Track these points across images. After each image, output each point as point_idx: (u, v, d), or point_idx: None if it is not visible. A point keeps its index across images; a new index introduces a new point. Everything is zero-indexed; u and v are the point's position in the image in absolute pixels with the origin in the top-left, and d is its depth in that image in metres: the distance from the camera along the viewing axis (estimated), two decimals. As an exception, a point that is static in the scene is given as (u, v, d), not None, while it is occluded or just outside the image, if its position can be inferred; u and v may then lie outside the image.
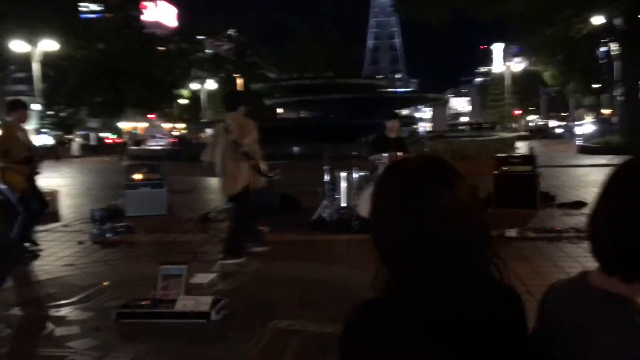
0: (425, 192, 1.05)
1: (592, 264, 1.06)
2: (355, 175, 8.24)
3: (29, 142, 7.48)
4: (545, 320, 1.11)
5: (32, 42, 31.37)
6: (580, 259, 5.80)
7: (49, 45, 32.20)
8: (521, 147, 20.72)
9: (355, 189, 8.13)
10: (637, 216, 0.97)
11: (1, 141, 6.95)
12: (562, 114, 58.61)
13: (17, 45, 31.51)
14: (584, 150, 23.93)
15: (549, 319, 1.10)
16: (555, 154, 22.84)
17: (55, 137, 32.34)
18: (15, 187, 6.83)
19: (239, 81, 54.06)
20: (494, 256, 1.09)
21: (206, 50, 60.46)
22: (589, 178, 12.83)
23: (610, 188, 1.04)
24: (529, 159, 9.37)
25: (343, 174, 8.32)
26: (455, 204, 1.04)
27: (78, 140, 37.34)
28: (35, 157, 7.24)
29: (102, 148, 36.35)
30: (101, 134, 53.49)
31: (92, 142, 42.78)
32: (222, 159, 6.28)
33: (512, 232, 7.07)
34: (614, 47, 29.80)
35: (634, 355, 0.94)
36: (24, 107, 7.42)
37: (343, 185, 8.32)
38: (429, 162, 1.11)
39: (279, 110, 50.78)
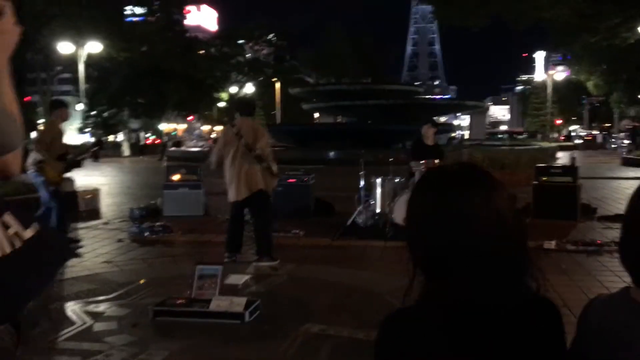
0: (462, 198, 1.05)
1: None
2: (390, 181, 8.21)
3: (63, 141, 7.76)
4: (585, 334, 1.10)
5: (78, 43, 32.23)
6: (620, 273, 5.64)
7: (94, 47, 33.03)
8: (562, 157, 20.32)
9: (390, 195, 8.10)
10: None
11: (44, 136, 7.25)
12: (606, 124, 57.13)
13: (64, 47, 32.43)
14: (628, 162, 23.30)
15: (589, 333, 1.09)
16: (597, 165, 22.30)
17: (96, 136, 33.05)
18: (51, 181, 7.08)
19: (277, 85, 54.44)
20: (532, 267, 1.08)
21: (246, 54, 61.08)
22: (632, 191, 12.45)
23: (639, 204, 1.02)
24: (569, 169, 9.19)
25: (378, 180, 8.30)
26: (492, 212, 1.04)
27: (125, 140, 38.11)
28: (70, 156, 7.50)
29: (145, 148, 37.05)
30: (142, 135, 54.51)
31: (140, 142, 43.55)
32: (233, 163, 6.30)
33: (550, 244, 6.93)
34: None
35: None
36: (65, 106, 7.73)
37: (378, 191, 8.29)
38: (466, 169, 1.11)
39: (316, 115, 50.97)
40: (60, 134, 7.39)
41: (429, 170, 1.18)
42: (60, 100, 7.96)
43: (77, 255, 6.81)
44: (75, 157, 7.62)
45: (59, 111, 7.47)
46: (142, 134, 45.45)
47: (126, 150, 35.40)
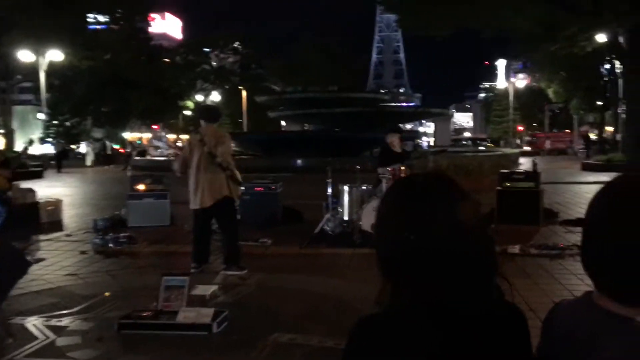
0: (430, 207, 1.07)
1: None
2: (358, 189, 8.25)
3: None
4: (550, 338, 1.12)
5: (39, 52, 31.58)
6: (583, 276, 5.74)
7: (55, 55, 32.41)
8: (525, 163, 20.72)
9: (358, 203, 8.14)
10: (631, 242, 0.97)
11: None
12: (566, 130, 58.57)
13: (24, 55, 31.74)
14: (587, 167, 23.91)
15: (554, 337, 1.10)
16: (558, 171, 22.82)
17: (58, 146, 32.27)
18: (1, 187, 6.97)
19: (244, 93, 54.27)
20: (498, 273, 1.10)
21: (212, 63, 60.75)
22: (592, 195, 12.77)
23: (602, 209, 1.04)
24: (532, 175, 9.37)
25: (346, 188, 8.33)
26: (459, 220, 1.06)
27: (89, 149, 37.23)
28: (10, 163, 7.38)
29: (109, 158, 36.29)
30: (108, 144, 53.64)
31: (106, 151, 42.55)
32: (197, 171, 6.27)
33: (514, 249, 7.06)
34: (618, 64, 29.88)
35: None
36: None
37: (346, 198, 8.32)
38: (434, 178, 1.13)
39: (283, 123, 50.92)
40: None
41: (399, 178, 1.20)
42: None
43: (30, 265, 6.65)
44: (17, 161, 7.50)
45: None
46: (108, 143, 44.63)
47: (89, 160, 34.71)
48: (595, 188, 1.09)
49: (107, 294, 5.59)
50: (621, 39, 24.68)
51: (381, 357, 1.04)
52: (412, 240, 1.05)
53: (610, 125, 46.79)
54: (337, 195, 8.43)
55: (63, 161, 30.12)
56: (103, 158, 35.71)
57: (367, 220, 7.74)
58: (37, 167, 25.79)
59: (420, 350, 1.03)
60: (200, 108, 7.81)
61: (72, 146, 42.29)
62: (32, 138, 38.14)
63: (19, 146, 36.35)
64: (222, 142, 6.37)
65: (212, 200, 6.26)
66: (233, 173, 6.36)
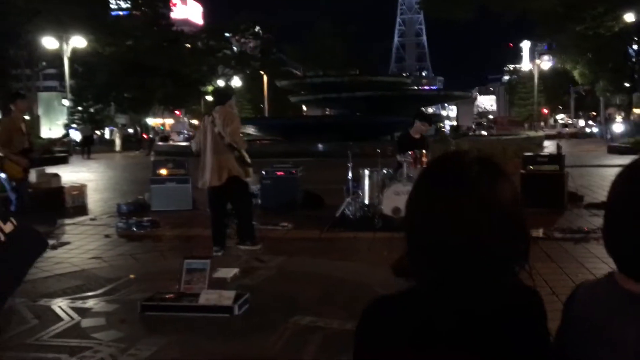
0: (468, 188, 1.02)
1: (617, 265, 1.05)
2: (379, 173, 8.21)
3: (29, 134, 7.71)
4: (570, 319, 1.09)
5: (63, 38, 31.91)
6: (607, 259, 5.63)
7: (79, 42, 32.72)
8: (549, 146, 20.45)
9: (378, 187, 8.11)
10: None
11: (2, 132, 7.18)
12: (592, 113, 57.59)
13: (48, 42, 32.10)
14: (614, 150, 23.50)
15: (574, 318, 1.08)
16: (584, 154, 22.48)
17: (85, 131, 32.32)
18: (13, 176, 7.08)
19: (264, 78, 54.31)
20: (527, 258, 1.06)
21: (233, 48, 60.80)
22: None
23: (624, 190, 1.01)
24: (556, 158, 9.24)
25: (367, 172, 8.29)
26: (500, 201, 1.02)
27: (117, 134, 37.50)
28: (34, 150, 7.47)
29: (139, 143, 36.35)
30: (130, 130, 54.25)
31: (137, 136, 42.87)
32: (207, 151, 6.42)
33: (538, 232, 6.97)
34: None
35: None
36: (21, 97, 7.72)
37: (366, 182, 8.30)
38: (476, 158, 1.07)
39: (304, 108, 50.91)
40: (19, 128, 7.31)
41: (441, 155, 1.14)
42: (17, 92, 7.93)
43: (54, 247, 6.77)
44: (40, 153, 7.58)
45: (16, 103, 7.39)
46: (138, 129, 45.05)
47: (118, 145, 34.96)
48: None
49: (132, 276, 5.67)
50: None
51: (392, 338, 1.03)
52: (446, 218, 1.01)
53: (638, 107, 45.82)
54: (358, 179, 8.41)
55: (90, 146, 29.70)
56: (132, 143, 35.81)
57: (388, 204, 7.71)
58: (62, 153, 26.20)
59: (432, 332, 1.01)
60: (212, 92, 8.02)
61: (97, 132, 42.84)
62: (69, 124, 38.47)
63: (46, 132, 36.89)
64: (231, 122, 6.44)
65: (218, 180, 6.35)
66: (241, 154, 6.44)
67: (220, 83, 56.62)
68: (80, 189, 10.76)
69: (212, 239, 6.58)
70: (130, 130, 45.01)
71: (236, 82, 56.09)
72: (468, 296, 1.01)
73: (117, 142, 35.44)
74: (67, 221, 9.00)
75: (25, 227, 1.15)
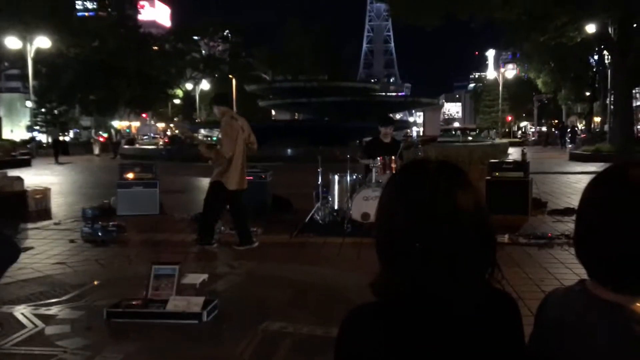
0: (433, 194, 1.05)
1: (583, 270, 1.07)
2: (348, 178, 8.25)
3: None
4: (542, 326, 1.12)
5: (26, 38, 31.21)
6: (571, 265, 5.83)
7: (43, 42, 32.04)
8: (513, 153, 20.84)
9: (348, 192, 8.15)
10: (624, 230, 0.98)
11: None
12: (554, 120, 58.89)
13: (11, 42, 31.36)
14: (575, 157, 24.09)
15: (546, 325, 1.11)
16: (547, 161, 22.97)
17: (53, 134, 31.20)
18: None
19: (234, 82, 53.98)
20: (495, 262, 1.09)
21: (201, 51, 60.34)
22: (580, 185, 12.90)
23: (594, 198, 1.04)
24: (521, 165, 9.41)
25: (336, 177, 8.33)
26: (462, 209, 1.05)
27: (94, 137, 36.60)
28: None
29: (116, 146, 35.30)
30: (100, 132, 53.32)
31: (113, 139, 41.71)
32: (242, 155, 6.88)
33: (503, 238, 7.10)
34: (607, 55, 30.01)
35: None
36: None
37: (336, 187, 8.33)
38: (439, 165, 1.11)
39: (273, 112, 50.77)
40: None
41: (408, 162, 1.17)
42: None
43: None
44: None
45: None
46: (112, 131, 44.25)
47: (97, 149, 34.08)
48: (583, 178, 1.09)
49: (96, 282, 5.57)
50: (610, 30, 24.79)
51: (372, 348, 1.04)
52: (414, 224, 1.04)
53: (598, 115, 47.05)
54: (327, 184, 8.44)
55: (60, 150, 28.13)
56: (110, 146, 34.76)
57: (357, 209, 7.76)
58: (25, 156, 25.59)
59: (412, 341, 1.02)
60: (223, 95, 8.21)
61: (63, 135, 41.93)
62: (32, 127, 37.23)
63: (8, 134, 35.92)
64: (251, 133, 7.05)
65: (245, 184, 6.96)
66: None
67: (189, 86, 56.16)
68: (44, 193, 10.52)
69: (209, 234, 6.93)
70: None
71: (204, 85, 55.66)
72: (443, 303, 1.03)
73: (96, 146, 34.67)
74: (30, 225, 8.79)
75: None
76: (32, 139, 13.79)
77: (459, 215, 1.04)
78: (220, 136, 6.93)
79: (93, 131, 40.77)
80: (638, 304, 1.01)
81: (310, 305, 4.79)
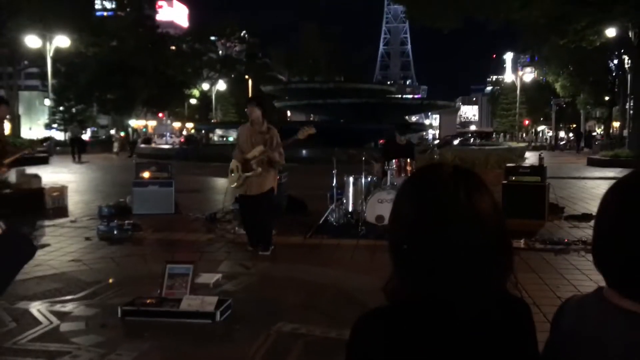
0: (449, 197, 1.04)
1: (599, 276, 1.06)
2: (363, 180, 8.23)
3: (4, 141, 7.62)
4: (559, 333, 1.10)
5: (46, 37, 31.57)
6: (587, 271, 5.76)
7: (62, 41, 32.38)
8: (530, 157, 20.67)
9: (362, 194, 8.13)
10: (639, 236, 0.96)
11: None
12: (572, 125, 58.36)
13: (31, 41, 31.74)
14: (593, 162, 23.83)
15: (562, 332, 1.09)
16: (564, 165, 22.75)
17: (74, 132, 30.98)
18: None
19: (250, 83, 54.20)
20: (511, 269, 1.08)
21: (218, 51, 60.66)
22: (598, 191, 12.75)
23: (614, 205, 1.02)
24: (538, 169, 9.33)
25: (351, 179, 8.32)
26: (480, 212, 1.03)
27: (116, 135, 36.67)
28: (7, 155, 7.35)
29: (134, 145, 35.22)
30: (112, 131, 53.77)
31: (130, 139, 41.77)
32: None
33: (519, 243, 7.03)
34: (627, 59, 29.68)
35: None
36: (6, 103, 7.67)
37: (350, 189, 8.31)
38: (455, 169, 1.10)
39: (289, 113, 50.88)
40: None
41: (423, 166, 1.16)
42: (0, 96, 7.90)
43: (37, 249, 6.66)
44: (15, 156, 7.40)
45: None
46: (130, 130, 44.52)
47: (116, 146, 34.16)
48: (601, 183, 1.07)
49: (111, 280, 5.61)
50: (631, 34, 24.49)
51: (383, 352, 1.03)
52: (428, 228, 1.03)
53: (617, 120, 46.54)
54: (342, 186, 8.43)
55: (80, 148, 26.96)
56: (127, 145, 34.66)
57: (371, 211, 7.74)
58: (43, 153, 25.87)
59: (425, 346, 1.01)
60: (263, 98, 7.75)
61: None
62: (50, 125, 37.40)
63: (27, 132, 36.36)
64: None
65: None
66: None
67: (205, 86, 56.47)
68: (61, 190, 10.62)
69: (270, 239, 6.92)
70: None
71: (221, 85, 55.94)
72: (458, 309, 1.02)
73: (116, 144, 34.77)
74: (47, 223, 8.88)
75: (14, 231, 1.14)
76: (48, 138, 13.66)
77: (478, 218, 1.03)
78: (272, 140, 6.72)
79: (114, 130, 41.02)
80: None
81: (324, 307, 4.77)
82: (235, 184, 6.76)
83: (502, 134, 59.94)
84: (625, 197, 1.01)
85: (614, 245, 1.00)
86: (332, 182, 8.46)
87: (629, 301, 0.99)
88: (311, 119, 40.26)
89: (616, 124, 47.60)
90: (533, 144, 45.18)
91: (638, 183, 1.01)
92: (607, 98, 47.06)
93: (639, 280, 0.97)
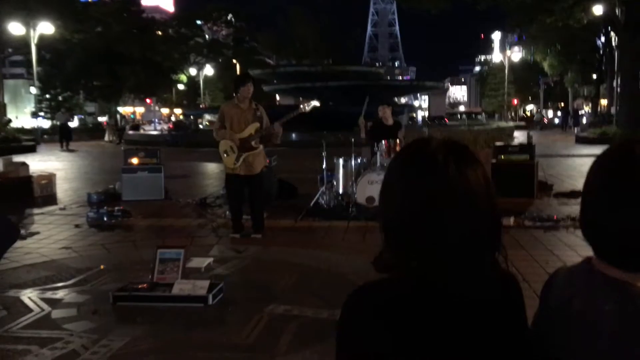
0: (443, 171, 1.01)
1: (588, 252, 1.06)
2: (352, 162, 8.23)
3: None
4: (547, 306, 1.11)
5: (30, 24, 31.10)
6: (577, 247, 5.82)
7: (46, 28, 31.92)
8: (519, 137, 20.75)
9: (352, 175, 8.13)
10: (629, 206, 0.96)
11: None
12: (561, 103, 58.53)
13: (14, 28, 31.26)
14: (581, 140, 23.96)
15: (551, 304, 1.09)
16: (553, 144, 22.85)
17: (62, 120, 30.31)
18: None
19: (237, 67, 53.78)
20: (501, 244, 1.07)
21: (205, 36, 60.07)
22: (586, 168, 12.73)
23: (599, 176, 1.03)
24: (527, 148, 9.37)
25: (340, 161, 8.31)
26: (471, 187, 1.01)
27: (110, 122, 35.97)
28: None
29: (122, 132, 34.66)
30: (100, 118, 53.24)
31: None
32: None
33: (509, 221, 7.08)
34: (614, 37, 29.73)
35: (633, 339, 0.94)
36: None
37: (341, 172, 8.31)
38: (449, 143, 1.06)
39: (277, 97, 50.62)
40: None
41: (414, 140, 1.11)
42: None
43: (23, 237, 6.61)
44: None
45: None
46: (118, 117, 43.79)
47: (107, 135, 33.60)
48: (589, 161, 1.07)
49: (102, 266, 5.59)
50: (618, 12, 24.50)
51: (373, 328, 1.02)
52: (419, 203, 1.01)
53: (604, 98, 46.73)
54: (332, 168, 8.42)
55: (67, 135, 26.18)
56: (115, 132, 34.01)
57: (362, 193, 7.75)
58: (29, 142, 25.62)
59: (415, 320, 1.00)
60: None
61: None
62: (37, 112, 36.68)
63: (12, 121, 35.85)
64: None
65: None
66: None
67: (192, 71, 56.00)
68: (49, 178, 10.55)
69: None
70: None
71: (208, 70, 55.48)
72: (449, 285, 1.01)
73: (108, 131, 34.26)
74: (36, 211, 8.83)
75: None
76: (36, 129, 13.12)
77: (469, 194, 1.00)
78: (264, 117, 6.75)
79: (108, 117, 40.42)
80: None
81: (316, 289, 4.79)
82: (233, 165, 6.66)
83: (493, 114, 60.07)
84: (610, 167, 1.01)
85: (601, 214, 1.00)
86: (322, 165, 8.45)
87: (617, 270, 0.99)
88: (300, 102, 40.12)
89: (604, 102, 47.80)
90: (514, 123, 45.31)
91: (621, 153, 1.02)
92: (594, 76, 47.22)
93: (627, 249, 0.97)
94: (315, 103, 7.02)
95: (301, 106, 7.00)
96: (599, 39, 40.95)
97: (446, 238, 1.00)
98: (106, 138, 33.28)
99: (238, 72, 52.44)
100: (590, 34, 36.58)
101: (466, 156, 1.04)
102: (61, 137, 26.38)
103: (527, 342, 1.08)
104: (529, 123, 43.81)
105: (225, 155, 6.68)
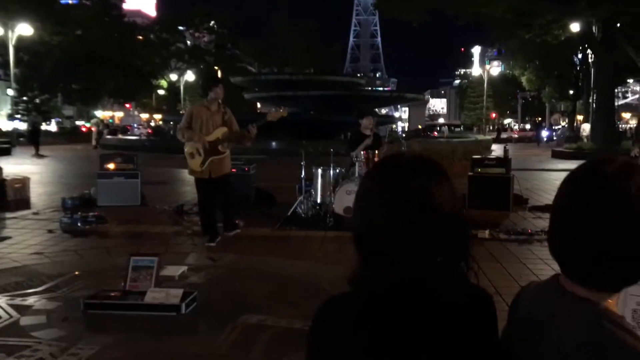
0: (410, 187, 1.05)
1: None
2: (331, 172, 8.24)
3: None
4: (515, 320, 1.12)
5: (8, 25, 30.69)
6: (549, 261, 5.88)
7: (25, 29, 31.51)
8: (496, 150, 20.97)
9: (331, 185, 8.14)
10: (592, 225, 0.98)
11: None
12: (538, 118, 59.42)
13: (-8, 29, 30.83)
14: (557, 155, 24.31)
15: (518, 318, 1.11)
16: (529, 158, 23.14)
17: (28, 122, 29.84)
18: None
19: (219, 74, 53.60)
20: (470, 257, 1.09)
21: (187, 41, 59.84)
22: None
23: (566, 195, 1.05)
24: (503, 161, 9.46)
25: (319, 170, 8.31)
26: (438, 202, 1.04)
27: (99, 126, 35.25)
28: None
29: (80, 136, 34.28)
30: (78, 122, 52.59)
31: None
32: None
33: (484, 233, 7.14)
34: (590, 53, 30.31)
35: (591, 356, 0.95)
36: None
37: (319, 181, 8.31)
38: (417, 159, 1.11)
39: (259, 105, 50.57)
40: None
41: (385, 156, 1.17)
42: None
43: None
44: None
45: None
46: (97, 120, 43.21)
47: (94, 139, 33.00)
48: (564, 175, 1.10)
49: (77, 272, 5.50)
50: (594, 29, 25.00)
51: (344, 338, 1.03)
52: (389, 216, 1.04)
53: (581, 114, 47.51)
54: (310, 178, 8.42)
55: (35, 139, 25.27)
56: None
57: (340, 203, 7.75)
58: (4, 144, 25.19)
59: (383, 332, 1.01)
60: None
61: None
62: (13, 115, 35.96)
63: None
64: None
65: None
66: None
67: (173, 77, 55.70)
68: (23, 182, 10.36)
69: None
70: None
71: (189, 76, 55.25)
72: (419, 296, 1.02)
73: (95, 135, 33.68)
74: (8, 215, 8.67)
75: None
76: (11, 132, 12.77)
77: (435, 207, 1.04)
78: (233, 120, 6.81)
79: (95, 120, 39.67)
80: (610, 300, 1.02)
81: (291, 299, 4.77)
82: (200, 168, 6.66)
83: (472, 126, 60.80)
84: (575, 187, 1.03)
85: (565, 232, 1.02)
86: (301, 174, 8.45)
87: (581, 288, 1.01)
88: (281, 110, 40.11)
89: (580, 117, 48.58)
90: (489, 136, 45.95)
91: (587, 173, 1.03)
92: (571, 92, 48.00)
93: (590, 268, 0.99)
94: (284, 113, 7.05)
95: (268, 115, 7.05)
96: (576, 55, 41.69)
97: (413, 251, 1.02)
98: (93, 143, 32.78)
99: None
100: (568, 50, 37.22)
101: (435, 171, 1.09)
102: (32, 141, 25.43)
103: (496, 353, 1.09)
104: (497, 136, 44.36)
105: (191, 157, 6.68)
